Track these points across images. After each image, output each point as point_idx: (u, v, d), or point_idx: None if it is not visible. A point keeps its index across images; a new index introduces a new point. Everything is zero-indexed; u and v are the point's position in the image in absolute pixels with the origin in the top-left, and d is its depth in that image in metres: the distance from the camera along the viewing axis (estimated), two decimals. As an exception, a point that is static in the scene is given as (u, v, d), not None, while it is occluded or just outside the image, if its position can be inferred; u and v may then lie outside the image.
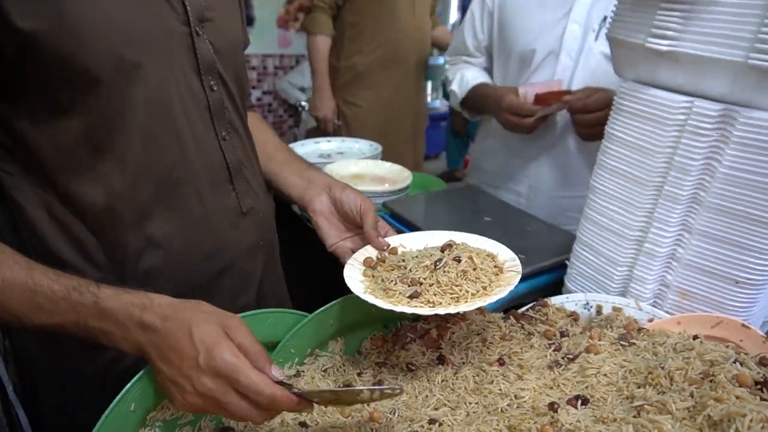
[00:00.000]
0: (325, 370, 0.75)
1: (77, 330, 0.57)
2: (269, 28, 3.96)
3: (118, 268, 0.71)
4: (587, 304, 0.81)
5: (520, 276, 0.69)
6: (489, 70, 1.46)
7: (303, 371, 0.74)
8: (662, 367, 0.56)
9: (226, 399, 0.53)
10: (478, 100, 1.38)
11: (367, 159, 1.55)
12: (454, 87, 1.43)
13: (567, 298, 0.82)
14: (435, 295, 0.66)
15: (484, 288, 0.67)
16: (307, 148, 1.67)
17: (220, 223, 0.79)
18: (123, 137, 0.66)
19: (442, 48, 2.48)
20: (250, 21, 3.81)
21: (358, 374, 0.74)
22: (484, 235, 0.79)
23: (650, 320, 0.76)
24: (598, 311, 0.79)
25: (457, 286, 0.66)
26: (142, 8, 0.64)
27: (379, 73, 2.22)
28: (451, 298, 0.66)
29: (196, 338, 0.53)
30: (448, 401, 0.64)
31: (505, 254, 0.75)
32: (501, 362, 0.69)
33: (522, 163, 1.37)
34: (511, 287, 0.66)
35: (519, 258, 0.75)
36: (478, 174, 1.51)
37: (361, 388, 0.64)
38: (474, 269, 0.68)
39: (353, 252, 0.80)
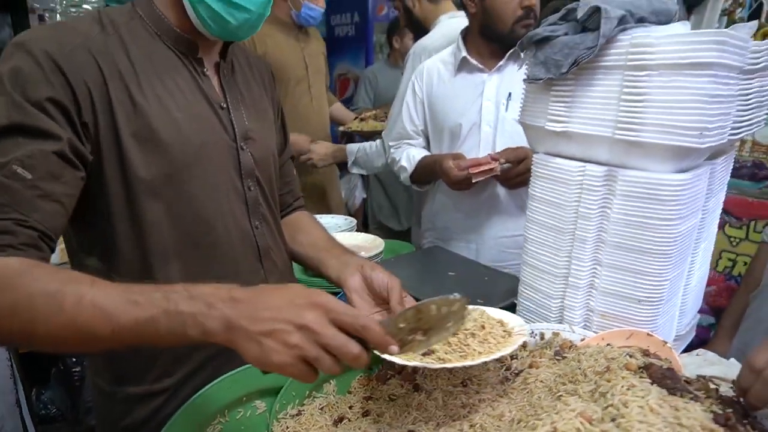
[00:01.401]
0: (321, 408, 0.90)
1: (167, 319, 0.62)
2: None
3: None
4: (532, 332, 0.98)
5: (525, 338, 0.79)
6: (426, 148, 1.74)
7: (303, 410, 0.89)
8: (579, 368, 0.74)
9: (324, 330, 0.58)
10: (425, 169, 1.63)
11: (343, 231, 1.75)
12: (404, 164, 1.69)
13: (516, 329, 0.99)
14: (446, 353, 0.74)
15: (490, 348, 0.76)
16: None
17: None
18: (181, 220, 0.87)
19: (341, 124, 2.78)
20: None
21: (350, 407, 0.89)
22: (449, 287, 0.97)
23: (582, 339, 0.93)
24: (542, 337, 0.97)
25: (465, 345, 0.76)
26: (207, 130, 0.89)
27: None
28: (460, 355, 0.74)
29: (288, 290, 0.63)
30: (423, 417, 0.80)
31: (514, 321, 0.84)
32: (464, 384, 0.86)
33: (468, 216, 1.62)
34: (515, 347, 0.75)
35: (478, 302, 0.93)
36: (432, 233, 1.75)
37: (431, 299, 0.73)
38: (482, 332, 0.79)
39: None
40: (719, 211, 1.06)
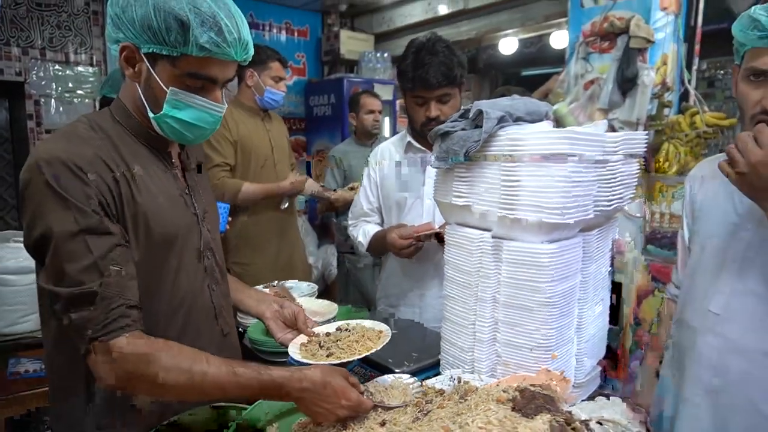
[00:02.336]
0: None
1: (260, 388, 0.97)
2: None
3: None
4: (450, 380, 1.13)
5: (389, 337, 1.14)
6: (381, 225, 1.95)
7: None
8: (468, 406, 0.89)
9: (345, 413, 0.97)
10: (377, 242, 1.82)
11: (305, 296, 1.92)
12: (360, 239, 1.89)
13: (435, 379, 1.14)
14: (341, 354, 1.10)
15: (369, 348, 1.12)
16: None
17: (208, 345, 1.13)
18: (161, 279, 1.06)
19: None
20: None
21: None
22: (391, 345, 1.14)
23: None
24: (459, 380, 1.11)
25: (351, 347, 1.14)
26: (182, 212, 1.10)
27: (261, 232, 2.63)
28: (351, 354, 1.10)
29: (333, 387, 0.96)
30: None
31: (383, 327, 1.20)
32: (382, 424, 0.99)
33: (413, 281, 1.81)
34: (384, 342, 1.12)
35: (413, 356, 1.12)
36: (384, 300, 1.95)
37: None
38: (363, 337, 1.14)
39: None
40: (605, 273, 1.24)
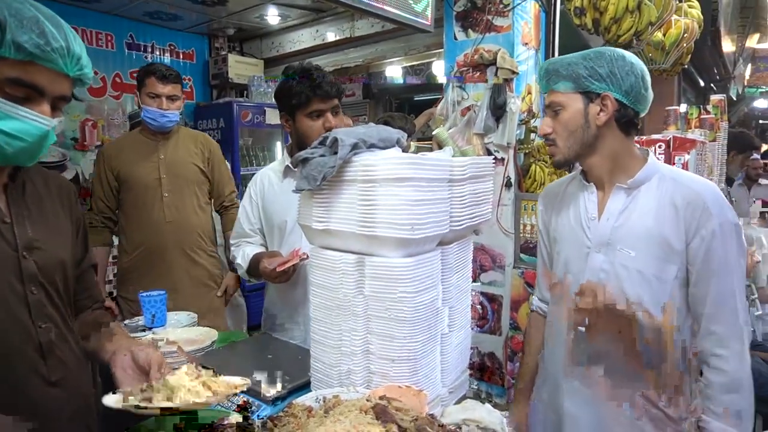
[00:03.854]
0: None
1: None
2: (105, 222, 4.21)
3: None
4: (317, 398, 1.16)
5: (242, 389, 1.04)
6: (264, 244, 1.95)
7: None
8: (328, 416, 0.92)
9: None
10: (255, 266, 1.82)
11: (185, 327, 1.86)
12: (240, 261, 1.87)
13: (305, 397, 1.16)
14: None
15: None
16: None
17: (32, 391, 1.05)
18: None
19: None
20: (84, 218, 4.04)
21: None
22: (266, 367, 1.13)
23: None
24: (324, 401, 1.14)
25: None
26: None
27: (143, 269, 2.49)
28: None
29: None
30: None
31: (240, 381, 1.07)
32: None
33: (294, 302, 1.82)
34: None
35: (286, 379, 1.12)
36: (270, 320, 1.95)
37: None
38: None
39: None
40: (467, 284, 1.34)
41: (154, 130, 2.47)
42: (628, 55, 1.30)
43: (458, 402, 1.32)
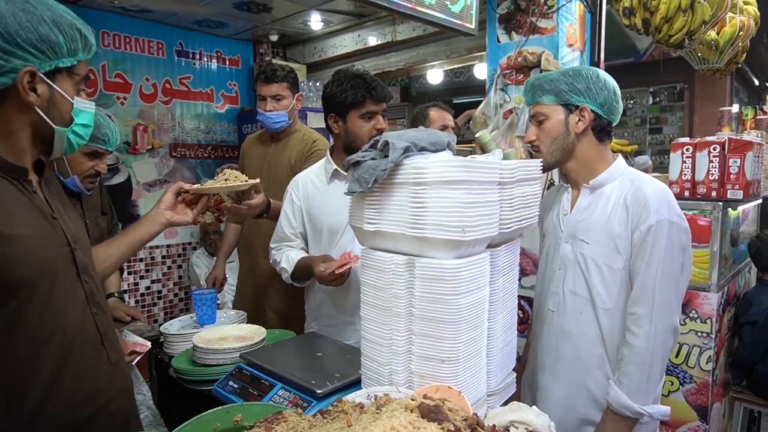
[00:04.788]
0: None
1: None
2: (155, 223, 4.37)
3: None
4: (368, 395, 1.18)
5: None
6: (305, 248, 2.00)
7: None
8: (378, 413, 0.95)
9: None
10: (302, 270, 1.86)
11: (234, 324, 1.92)
12: (284, 265, 1.91)
13: (355, 395, 1.19)
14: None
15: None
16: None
17: (96, 375, 1.13)
18: (35, 318, 1.02)
19: None
20: (134, 219, 4.21)
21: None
22: (316, 366, 1.16)
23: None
24: (375, 398, 1.17)
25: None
26: (48, 239, 1.07)
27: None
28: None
29: None
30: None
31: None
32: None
33: (350, 304, 1.84)
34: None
35: (335, 376, 1.14)
36: (317, 322, 1.97)
37: None
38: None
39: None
40: (513, 287, 1.35)
41: (270, 130, 2.54)
42: (602, 73, 1.52)
43: (504, 404, 1.33)
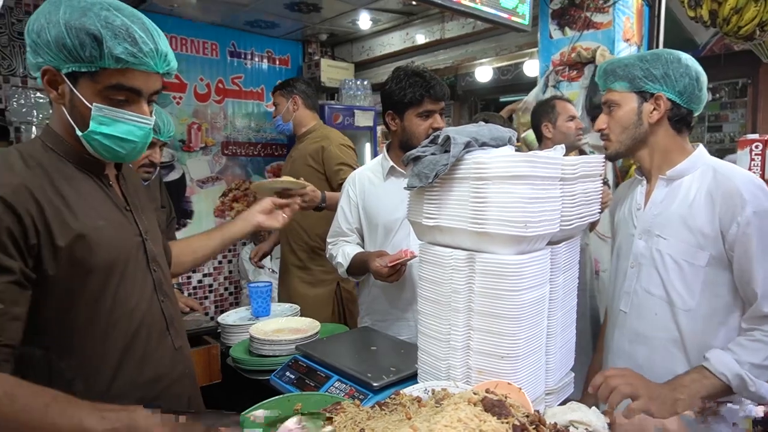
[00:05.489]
0: None
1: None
2: (207, 218, 4.51)
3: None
4: (426, 389, 1.19)
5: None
6: (360, 244, 2.02)
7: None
8: (440, 406, 0.95)
9: None
10: (357, 265, 1.88)
11: (288, 316, 1.97)
12: (340, 260, 1.94)
13: (412, 388, 1.20)
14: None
15: None
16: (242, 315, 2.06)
17: (161, 359, 1.19)
18: (108, 301, 1.08)
19: None
20: (188, 214, 4.36)
21: None
22: (370, 359, 1.19)
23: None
24: (433, 392, 1.17)
25: None
26: (122, 230, 1.13)
27: None
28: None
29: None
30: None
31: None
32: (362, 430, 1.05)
33: (403, 300, 1.86)
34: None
35: (391, 370, 1.15)
36: (371, 317, 1.98)
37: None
38: None
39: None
40: (573, 285, 1.32)
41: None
42: (685, 57, 1.39)
43: (562, 403, 1.31)
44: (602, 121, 1.48)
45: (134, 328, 1.13)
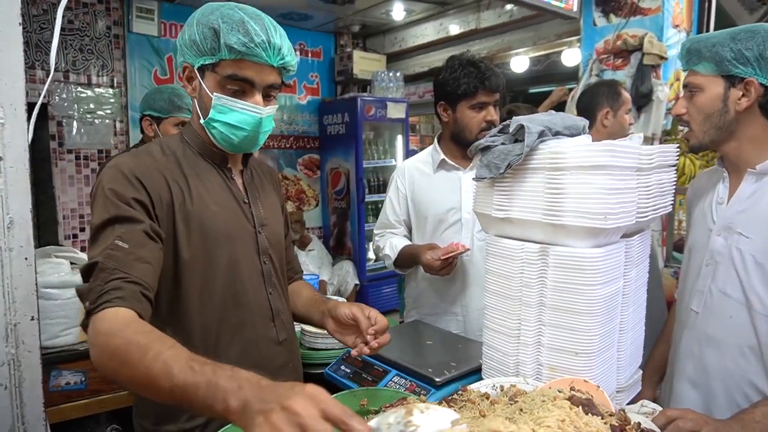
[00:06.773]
0: None
1: (206, 389, 0.70)
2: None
3: None
4: (494, 386, 1.16)
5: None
6: (408, 236, 1.99)
7: None
8: (521, 407, 0.92)
9: (307, 413, 0.60)
10: (406, 257, 1.85)
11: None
12: (387, 252, 1.91)
13: (480, 384, 1.17)
14: None
15: None
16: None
17: (262, 348, 1.21)
18: (214, 274, 1.13)
19: None
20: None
21: None
22: (427, 354, 1.16)
23: (535, 389, 1.11)
24: (501, 389, 1.14)
25: None
26: (235, 218, 1.19)
27: None
28: None
29: (298, 385, 0.65)
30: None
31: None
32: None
33: (453, 294, 1.82)
34: None
35: (451, 365, 1.12)
36: (418, 310, 1.95)
37: None
38: None
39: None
40: (644, 279, 1.28)
41: None
42: None
43: (630, 402, 1.27)
44: (681, 105, 1.33)
45: (240, 316, 1.17)
